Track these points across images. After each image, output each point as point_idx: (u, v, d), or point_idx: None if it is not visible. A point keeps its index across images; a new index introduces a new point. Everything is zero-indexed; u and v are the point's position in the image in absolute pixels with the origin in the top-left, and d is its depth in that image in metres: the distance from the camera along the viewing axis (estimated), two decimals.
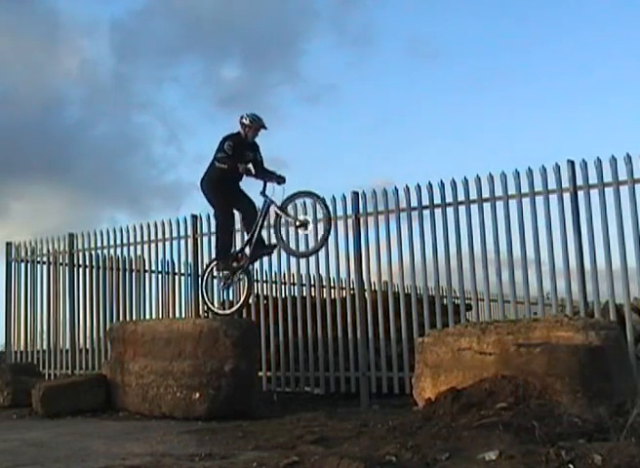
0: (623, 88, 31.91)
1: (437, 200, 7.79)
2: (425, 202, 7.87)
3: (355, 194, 8.35)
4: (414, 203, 7.95)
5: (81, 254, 10.57)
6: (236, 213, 7.81)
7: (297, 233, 8.05)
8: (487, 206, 7.51)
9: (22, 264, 11.10)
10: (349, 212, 8.34)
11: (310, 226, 7.68)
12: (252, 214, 7.66)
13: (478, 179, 7.58)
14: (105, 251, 10.30)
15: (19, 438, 5.86)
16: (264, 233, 7.95)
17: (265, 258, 8.68)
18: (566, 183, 7.15)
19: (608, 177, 6.92)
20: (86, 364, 10.21)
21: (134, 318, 9.69)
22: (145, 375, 7.15)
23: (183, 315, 9.53)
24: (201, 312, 9.47)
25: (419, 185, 7.92)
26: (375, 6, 36.21)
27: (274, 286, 10.15)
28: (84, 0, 36.54)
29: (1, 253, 11.29)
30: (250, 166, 7.42)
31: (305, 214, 7.82)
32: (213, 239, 9.25)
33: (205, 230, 9.37)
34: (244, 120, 7.40)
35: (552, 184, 7.20)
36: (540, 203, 7.25)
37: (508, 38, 33.65)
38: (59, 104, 34.06)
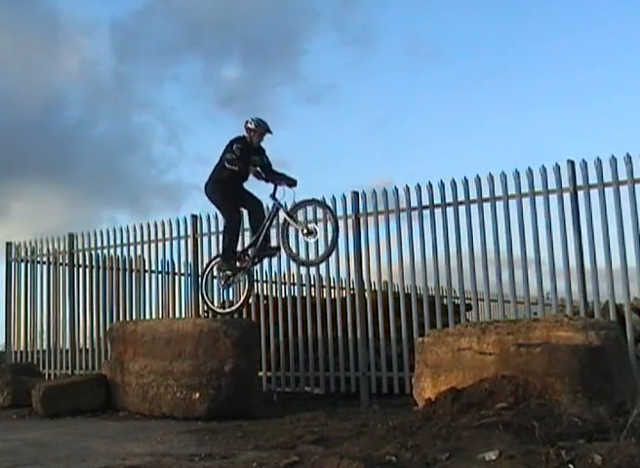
0: (624, 87, 31.94)
1: (437, 200, 7.79)
2: (425, 202, 7.87)
3: (355, 194, 8.36)
4: (414, 203, 7.95)
5: (81, 254, 10.57)
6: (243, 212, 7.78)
7: (298, 238, 7.99)
8: (487, 206, 7.51)
9: (22, 264, 11.10)
10: (349, 212, 8.34)
11: (317, 235, 7.50)
12: (259, 212, 7.64)
13: (478, 179, 7.58)
14: (105, 251, 10.30)
15: (19, 438, 5.86)
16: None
17: (266, 258, 8.67)
18: (566, 183, 7.16)
19: (608, 177, 6.92)
20: (86, 364, 10.21)
21: (134, 318, 9.69)
22: (145, 375, 7.15)
23: (183, 315, 9.54)
24: (201, 312, 9.48)
25: (419, 185, 7.93)
26: (375, 5, 36.24)
27: (274, 286, 10.14)
28: (84, 0, 36.56)
29: (1, 254, 11.31)
30: (259, 169, 7.38)
31: (315, 222, 7.76)
32: (213, 239, 9.31)
33: (205, 230, 9.37)
34: (249, 124, 7.37)
35: (552, 184, 7.21)
36: (539, 203, 7.26)
37: (508, 37, 33.67)
38: (59, 104, 34.09)
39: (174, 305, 9.71)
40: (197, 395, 6.77)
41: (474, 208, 7.57)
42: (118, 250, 10.15)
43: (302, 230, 7.32)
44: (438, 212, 7.77)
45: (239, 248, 7.72)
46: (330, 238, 7.42)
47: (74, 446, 5.35)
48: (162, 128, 35.37)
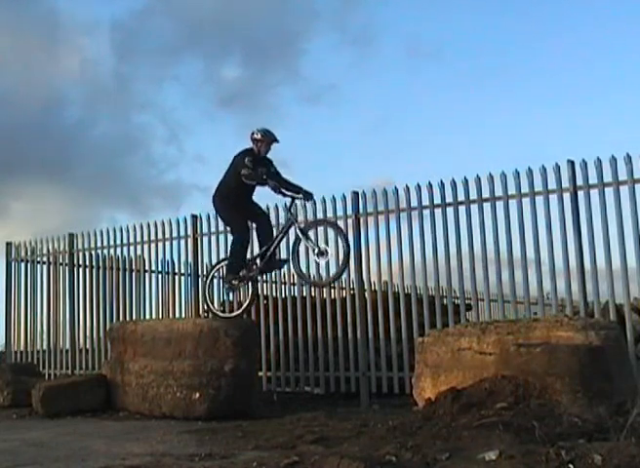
0: (624, 87, 31.94)
1: (437, 200, 7.79)
2: (425, 202, 7.87)
3: (355, 194, 8.36)
4: (414, 203, 7.95)
5: (81, 254, 10.57)
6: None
7: (308, 256, 8.00)
8: (487, 206, 7.51)
9: (22, 264, 11.10)
10: (349, 212, 8.34)
11: (328, 257, 7.26)
12: (267, 226, 7.56)
13: (478, 179, 7.58)
14: (105, 251, 10.30)
15: (19, 438, 5.86)
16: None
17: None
18: (566, 183, 7.16)
19: (608, 177, 6.92)
20: (86, 364, 10.21)
21: (134, 318, 9.69)
22: (145, 375, 7.15)
23: (183, 315, 9.54)
24: (201, 312, 9.47)
25: (419, 185, 7.93)
26: (375, 5, 36.27)
27: (274, 286, 10.14)
28: (84, 0, 36.56)
29: (1, 253, 11.31)
30: (276, 183, 7.16)
31: (326, 243, 7.59)
32: (213, 239, 9.31)
33: (205, 230, 9.37)
34: (255, 135, 7.23)
35: (552, 184, 7.21)
36: (540, 203, 7.26)
37: (508, 37, 33.69)
38: (59, 104, 34.09)
39: (174, 305, 9.71)
40: (197, 395, 6.77)
41: (474, 208, 7.57)
42: (118, 250, 10.16)
43: (314, 250, 7.21)
44: (438, 212, 7.77)
45: (247, 255, 7.65)
46: (341, 259, 7.25)
47: (74, 446, 5.35)
48: (162, 128, 35.42)
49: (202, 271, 9.52)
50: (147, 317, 9.70)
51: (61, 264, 10.71)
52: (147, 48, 35.59)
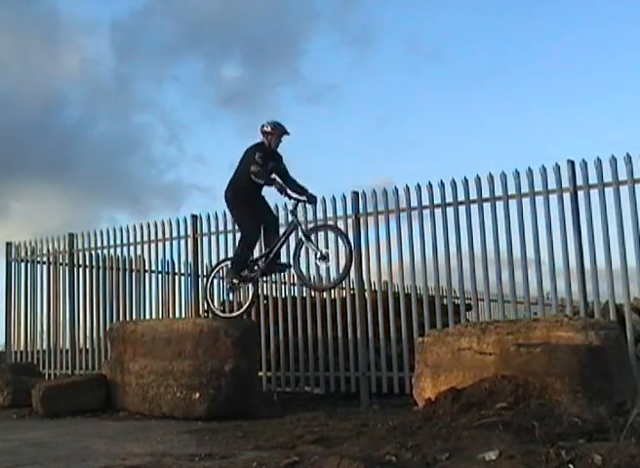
0: (624, 87, 31.94)
1: (437, 200, 7.79)
2: (425, 202, 7.87)
3: (355, 194, 8.35)
4: (414, 203, 7.95)
5: (81, 254, 10.57)
6: None
7: (308, 260, 8.00)
8: (487, 206, 7.51)
9: (22, 264, 11.10)
10: (349, 212, 8.34)
11: (329, 262, 7.25)
12: (274, 228, 7.50)
13: (478, 179, 7.58)
14: (105, 251, 10.30)
15: (19, 438, 5.86)
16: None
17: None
18: (566, 183, 7.16)
19: (608, 177, 6.92)
20: (86, 364, 10.21)
21: (134, 318, 9.69)
22: (145, 375, 7.15)
23: (183, 315, 9.54)
24: (201, 312, 9.47)
25: (419, 185, 7.93)
26: (375, 5, 36.27)
27: (274, 286, 10.14)
28: (84, 0, 36.56)
29: (1, 253, 11.31)
30: (282, 184, 7.08)
31: (327, 247, 7.54)
32: (213, 239, 9.31)
33: (205, 230, 9.38)
34: (265, 128, 7.17)
35: (552, 184, 7.21)
36: (540, 203, 7.26)
37: (509, 37, 33.69)
38: (59, 104, 34.10)
39: (174, 305, 9.71)
40: (197, 395, 6.77)
41: (474, 208, 7.57)
42: (118, 250, 10.16)
43: (316, 254, 7.17)
44: (438, 212, 7.77)
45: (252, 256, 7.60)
46: (342, 264, 7.20)
47: (74, 446, 5.35)
48: (162, 128, 35.42)
49: (202, 271, 9.52)
50: (147, 317, 9.70)
51: (61, 264, 10.71)
52: (147, 48, 35.61)
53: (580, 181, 7.09)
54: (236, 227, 9.06)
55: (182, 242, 9.57)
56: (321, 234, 7.91)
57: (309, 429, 5.32)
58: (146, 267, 9.96)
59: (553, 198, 7.20)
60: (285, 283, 10.11)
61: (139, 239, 9.96)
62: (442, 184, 7.77)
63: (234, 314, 7.96)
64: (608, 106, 32.93)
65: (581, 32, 31.95)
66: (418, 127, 34.35)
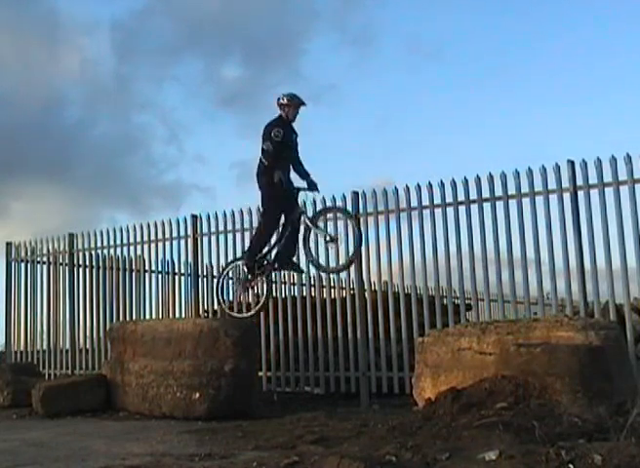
0: (624, 87, 31.95)
1: (437, 200, 7.79)
2: (425, 202, 7.87)
3: (355, 194, 8.35)
4: (414, 203, 7.95)
5: (81, 254, 10.57)
6: None
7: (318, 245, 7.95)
8: (487, 206, 7.51)
9: (22, 264, 11.10)
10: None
11: (339, 243, 7.38)
12: (295, 221, 7.33)
13: (478, 179, 7.58)
14: (105, 251, 10.30)
15: (19, 438, 5.86)
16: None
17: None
18: (566, 183, 7.16)
19: (608, 177, 6.92)
20: (86, 364, 10.21)
21: (134, 318, 9.69)
22: (145, 375, 7.15)
23: (183, 315, 9.53)
24: (201, 312, 9.48)
25: (419, 185, 7.93)
26: (375, 5, 36.28)
27: (274, 286, 10.14)
28: (84, 0, 36.56)
29: (1, 253, 11.32)
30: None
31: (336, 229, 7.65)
32: (213, 239, 9.31)
33: (205, 230, 9.38)
34: (282, 100, 7.10)
35: (552, 184, 7.21)
36: (540, 203, 7.26)
37: (509, 37, 33.69)
38: (59, 104, 34.10)
39: (174, 305, 9.71)
40: (197, 395, 6.77)
41: (474, 208, 7.57)
42: (118, 250, 10.16)
43: (325, 237, 7.21)
44: (438, 212, 7.77)
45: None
46: (353, 246, 7.25)
47: (74, 446, 5.35)
48: (162, 128, 35.44)
49: (202, 271, 9.53)
50: (147, 317, 9.70)
51: (61, 264, 10.71)
52: (147, 48, 35.62)
53: (579, 181, 7.09)
54: (236, 227, 9.10)
55: (182, 242, 9.58)
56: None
57: (309, 429, 5.32)
58: (146, 267, 9.96)
59: (553, 198, 7.21)
60: (285, 283, 10.11)
61: (139, 239, 9.96)
62: (442, 184, 7.77)
63: (250, 313, 7.92)
64: (608, 106, 32.96)
65: (581, 32, 31.98)
66: (418, 127, 34.39)
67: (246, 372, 6.90)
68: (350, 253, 7.45)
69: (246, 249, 7.61)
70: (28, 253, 11.06)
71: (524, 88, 32.83)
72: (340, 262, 7.69)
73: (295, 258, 7.62)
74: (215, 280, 8.62)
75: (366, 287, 8.30)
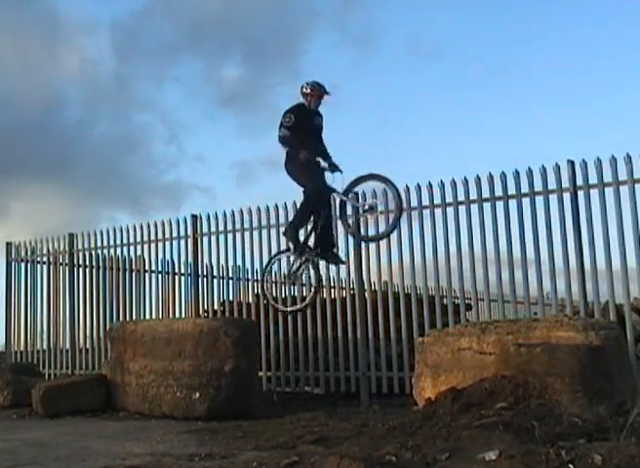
0: (624, 87, 31.95)
1: (437, 200, 7.79)
2: (425, 202, 7.87)
3: (355, 194, 8.33)
4: (414, 203, 7.95)
5: (81, 254, 10.57)
6: None
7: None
8: (487, 206, 7.51)
9: (22, 264, 11.10)
10: (349, 212, 8.32)
11: (378, 211, 7.23)
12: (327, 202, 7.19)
13: (478, 179, 7.58)
14: (105, 251, 10.31)
15: (19, 438, 5.86)
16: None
17: (265, 258, 8.60)
18: (566, 183, 7.16)
19: (608, 177, 6.92)
20: (86, 364, 10.21)
21: (134, 318, 9.69)
22: (145, 375, 7.15)
23: (183, 315, 9.53)
24: (201, 312, 9.48)
25: (419, 185, 7.93)
26: (375, 5, 36.26)
27: (274, 286, 10.13)
28: (84, 0, 36.57)
29: (1, 253, 11.31)
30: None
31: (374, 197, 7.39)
32: (213, 239, 9.32)
33: (205, 230, 9.38)
34: (305, 89, 7.05)
35: (552, 184, 7.21)
36: (540, 203, 7.26)
37: (509, 37, 33.68)
38: (59, 104, 34.07)
39: (174, 305, 9.71)
40: (197, 395, 6.77)
41: (474, 208, 7.57)
42: (118, 250, 10.16)
43: (363, 206, 7.12)
44: (438, 212, 7.77)
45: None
46: (392, 215, 6.96)
47: (74, 445, 5.35)
48: (162, 128, 35.40)
49: (202, 271, 9.53)
50: (147, 317, 9.70)
51: (61, 264, 10.71)
52: (147, 48, 35.60)
53: (580, 181, 7.09)
54: (236, 227, 9.10)
55: (182, 242, 9.58)
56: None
57: (309, 429, 5.32)
58: (146, 267, 9.96)
59: (553, 198, 7.21)
60: (285, 283, 10.10)
61: (139, 239, 9.96)
62: (442, 184, 7.77)
63: (299, 306, 7.87)
64: (608, 106, 32.95)
65: (581, 32, 31.97)
66: (418, 127, 34.35)
67: (246, 372, 6.90)
68: (390, 222, 7.14)
69: (287, 225, 7.39)
70: (28, 253, 11.06)
71: (524, 88, 32.83)
72: (382, 229, 7.45)
73: (335, 250, 7.37)
74: (258, 273, 8.48)
75: (366, 287, 8.30)
